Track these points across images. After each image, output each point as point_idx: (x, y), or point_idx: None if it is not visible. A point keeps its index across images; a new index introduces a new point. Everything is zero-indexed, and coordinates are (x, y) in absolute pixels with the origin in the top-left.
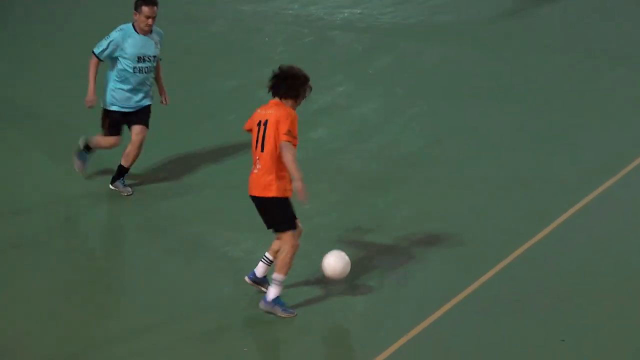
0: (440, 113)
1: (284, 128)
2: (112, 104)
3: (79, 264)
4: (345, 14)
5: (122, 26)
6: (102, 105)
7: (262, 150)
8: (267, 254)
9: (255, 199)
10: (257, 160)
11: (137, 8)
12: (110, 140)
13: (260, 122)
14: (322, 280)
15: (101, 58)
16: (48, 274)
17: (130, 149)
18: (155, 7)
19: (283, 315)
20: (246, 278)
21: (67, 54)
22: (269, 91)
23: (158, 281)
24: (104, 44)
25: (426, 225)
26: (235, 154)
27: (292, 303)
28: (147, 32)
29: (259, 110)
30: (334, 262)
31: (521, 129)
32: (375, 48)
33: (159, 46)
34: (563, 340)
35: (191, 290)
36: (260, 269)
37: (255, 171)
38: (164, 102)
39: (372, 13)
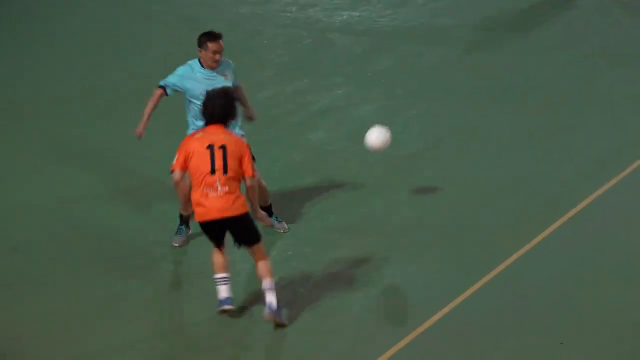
0: (440, 114)
1: (249, 164)
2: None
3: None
4: (344, 17)
5: (189, 62)
6: None
7: (226, 172)
8: (263, 284)
9: (228, 220)
10: (218, 182)
11: (201, 45)
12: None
13: (212, 145)
14: (320, 283)
15: (167, 91)
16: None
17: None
18: (220, 41)
19: (286, 322)
20: (266, 314)
21: (68, 53)
22: (208, 119)
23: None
24: (169, 77)
25: (425, 227)
26: None
27: (290, 306)
28: (216, 67)
29: (198, 136)
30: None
31: (521, 129)
32: (375, 50)
33: (229, 77)
34: (562, 343)
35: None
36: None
37: (219, 193)
38: (251, 118)
39: (371, 16)
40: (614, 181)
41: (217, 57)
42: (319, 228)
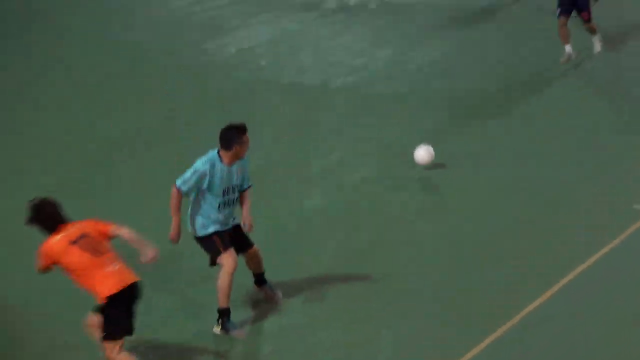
0: (434, 177)
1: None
2: (207, 226)
3: None
4: (339, 82)
5: (210, 157)
6: (196, 234)
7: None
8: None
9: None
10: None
11: (235, 139)
12: (229, 258)
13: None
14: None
15: (184, 192)
16: None
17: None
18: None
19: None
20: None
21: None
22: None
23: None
24: (189, 177)
25: (425, 289)
26: None
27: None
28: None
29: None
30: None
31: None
32: (371, 115)
33: (240, 174)
34: None
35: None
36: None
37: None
38: (247, 228)
39: (367, 81)
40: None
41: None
42: (311, 297)
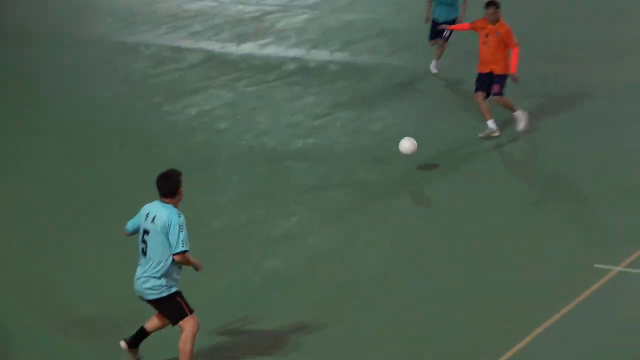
0: (397, 239)
1: None
2: (171, 287)
3: None
4: (299, 144)
5: (169, 207)
6: (160, 295)
7: None
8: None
9: None
10: None
11: (180, 183)
12: (193, 320)
13: None
14: None
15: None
16: None
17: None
18: None
19: None
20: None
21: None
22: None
23: None
24: (183, 234)
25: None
26: None
27: None
28: None
29: None
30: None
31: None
32: (330, 178)
33: None
34: None
35: None
36: None
37: None
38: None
39: (327, 143)
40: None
41: None
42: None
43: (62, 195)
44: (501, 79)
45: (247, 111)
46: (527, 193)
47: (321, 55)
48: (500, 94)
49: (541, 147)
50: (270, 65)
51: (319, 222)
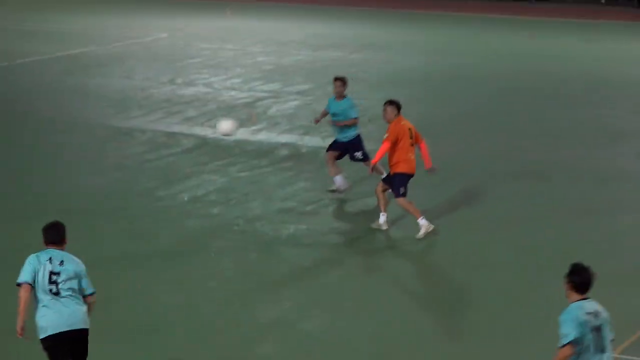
0: (390, 324)
1: None
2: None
3: None
4: (291, 230)
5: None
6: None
7: None
8: None
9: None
10: None
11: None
12: None
13: None
14: None
15: None
16: None
17: None
18: None
19: None
20: None
21: None
22: None
23: None
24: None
25: None
26: None
27: None
28: None
29: None
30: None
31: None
32: (322, 263)
33: None
34: None
35: None
36: None
37: None
38: None
39: (318, 228)
40: None
41: None
42: None
43: None
44: (397, 182)
45: (240, 196)
46: (526, 278)
47: (313, 141)
48: (399, 195)
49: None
50: (262, 151)
51: (312, 307)
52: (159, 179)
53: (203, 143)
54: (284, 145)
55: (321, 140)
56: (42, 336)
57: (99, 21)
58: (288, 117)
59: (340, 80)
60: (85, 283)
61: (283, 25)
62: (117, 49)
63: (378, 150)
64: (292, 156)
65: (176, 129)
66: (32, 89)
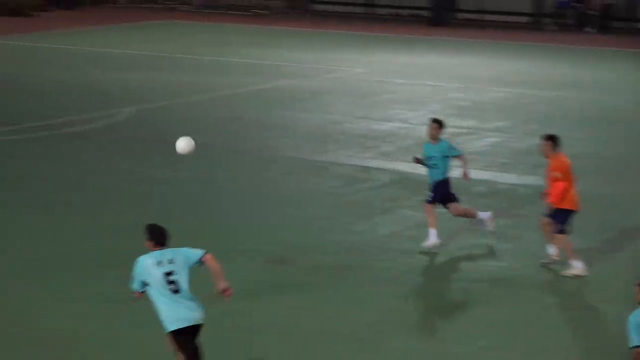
0: None
1: None
2: None
3: None
4: (492, 268)
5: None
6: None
7: None
8: None
9: None
10: None
11: None
12: None
13: None
14: None
15: None
16: None
17: None
18: None
19: None
20: None
21: None
22: None
23: None
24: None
25: None
26: None
27: None
28: None
29: None
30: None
31: None
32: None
33: None
34: None
35: None
36: None
37: None
38: None
39: (516, 266)
40: None
41: None
42: None
43: None
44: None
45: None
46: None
47: (509, 178)
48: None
49: None
50: (458, 187)
51: None
52: (356, 214)
53: (400, 179)
54: (480, 181)
55: (516, 177)
56: None
57: (295, 56)
58: (484, 153)
59: (437, 123)
60: None
61: (471, 60)
62: (313, 83)
63: (554, 190)
64: (489, 193)
65: (371, 163)
66: (218, 122)
